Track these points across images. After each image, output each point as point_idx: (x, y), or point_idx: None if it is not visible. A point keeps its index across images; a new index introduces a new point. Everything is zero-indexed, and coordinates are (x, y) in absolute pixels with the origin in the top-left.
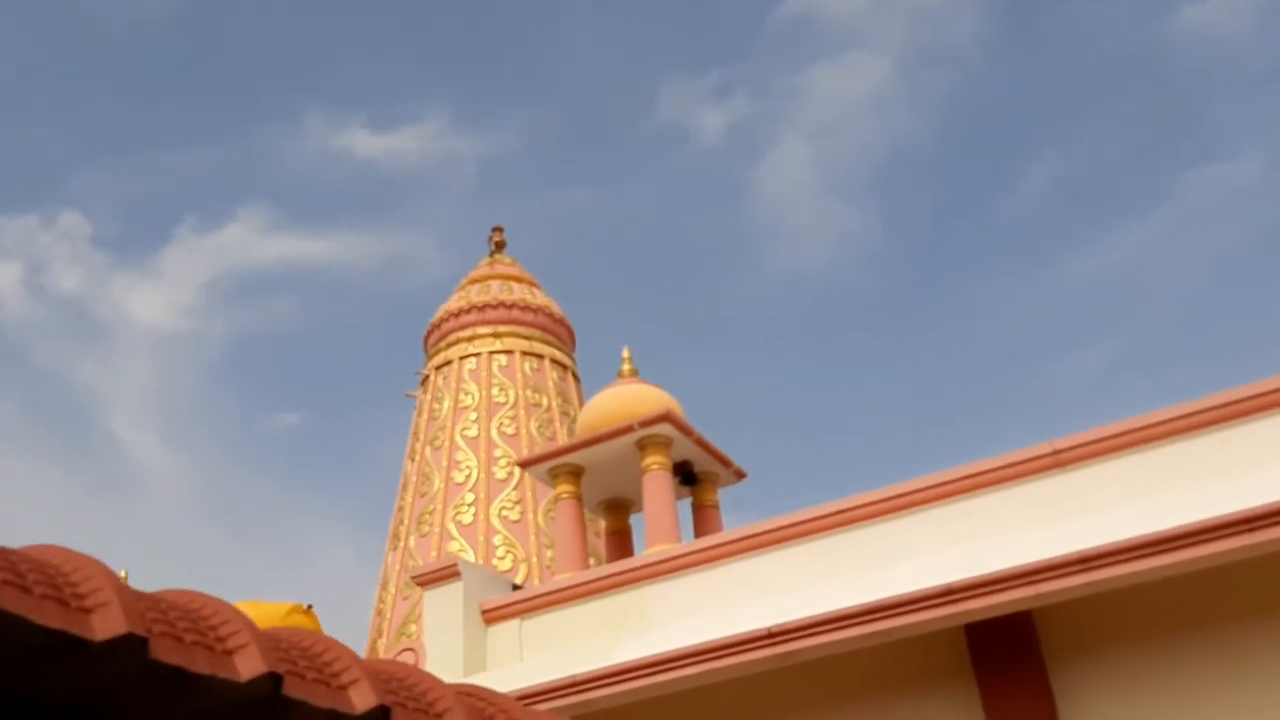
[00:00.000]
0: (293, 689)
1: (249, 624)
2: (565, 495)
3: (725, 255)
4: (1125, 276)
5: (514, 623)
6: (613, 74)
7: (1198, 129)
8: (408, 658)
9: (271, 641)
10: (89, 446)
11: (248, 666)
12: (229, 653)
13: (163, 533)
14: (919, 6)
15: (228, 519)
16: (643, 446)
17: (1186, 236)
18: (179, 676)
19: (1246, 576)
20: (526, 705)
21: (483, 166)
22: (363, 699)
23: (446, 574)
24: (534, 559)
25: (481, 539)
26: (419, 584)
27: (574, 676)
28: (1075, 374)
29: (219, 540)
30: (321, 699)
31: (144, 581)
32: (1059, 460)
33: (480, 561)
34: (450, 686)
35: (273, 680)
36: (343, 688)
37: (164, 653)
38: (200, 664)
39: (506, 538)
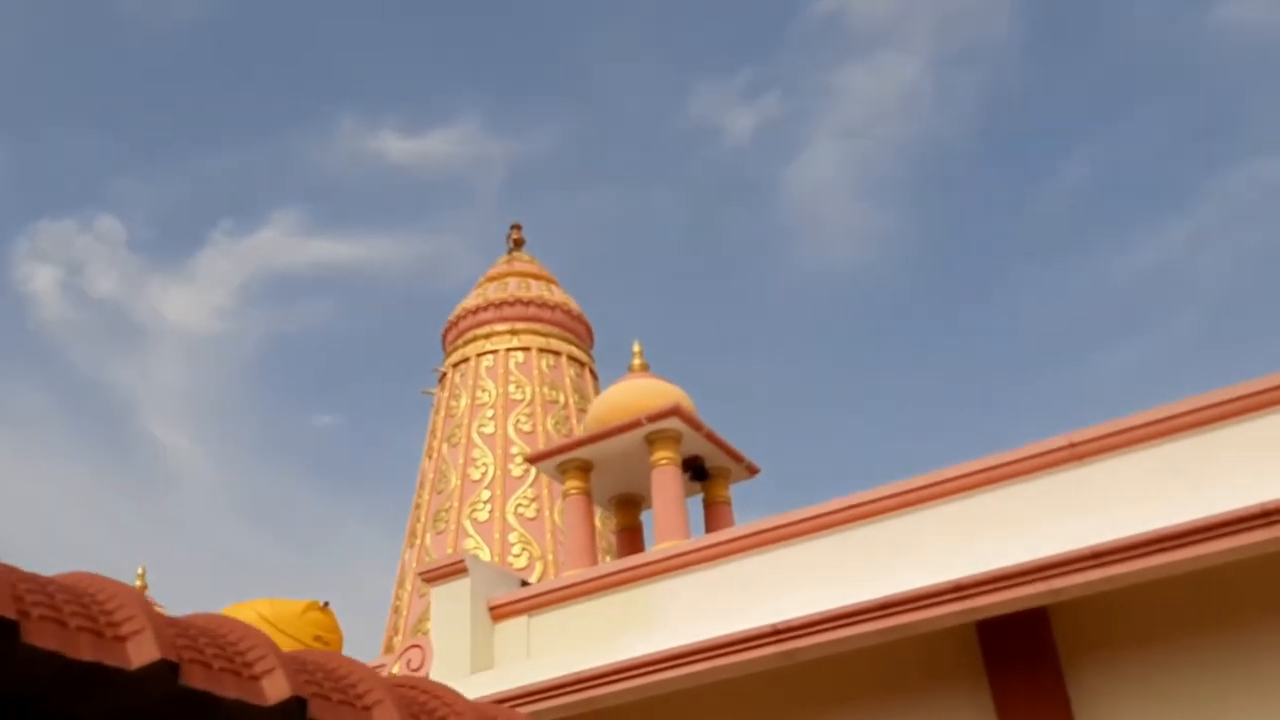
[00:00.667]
0: (317, 711)
1: (275, 649)
2: (574, 491)
3: (755, 255)
4: (1161, 274)
5: (521, 619)
6: (643, 75)
7: (1235, 125)
8: (414, 655)
9: (298, 664)
10: (125, 447)
11: (275, 690)
12: (256, 677)
13: (198, 532)
14: (950, 5)
15: (262, 518)
16: (651, 441)
17: (1223, 233)
18: (208, 700)
19: (1268, 572)
20: (531, 702)
21: (513, 168)
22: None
23: (454, 570)
24: (549, 556)
25: (497, 536)
26: (426, 580)
27: (578, 674)
28: (1108, 372)
29: (253, 539)
30: None
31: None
32: (1075, 454)
33: (496, 559)
34: (470, 704)
35: (299, 704)
36: (366, 709)
37: (194, 679)
38: (228, 688)
39: (522, 535)
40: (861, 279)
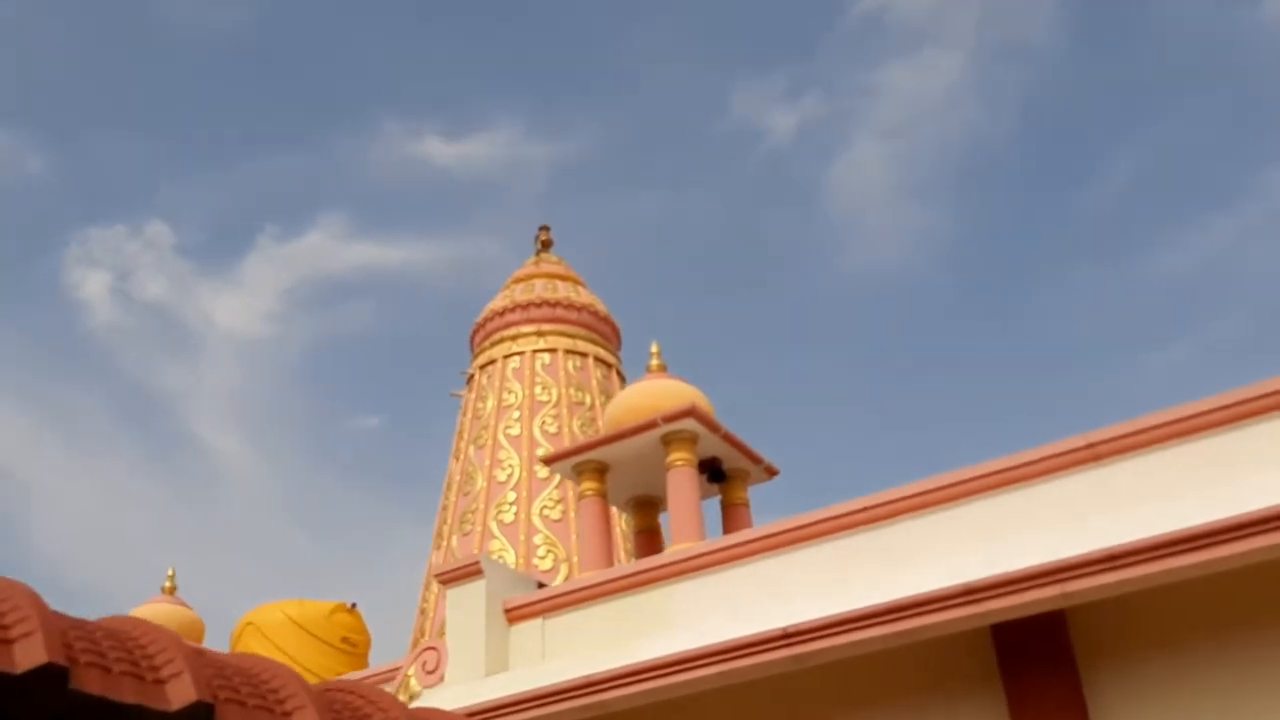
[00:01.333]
0: None
1: (305, 686)
2: (590, 493)
3: (796, 256)
4: (1207, 272)
5: (537, 621)
6: (684, 77)
7: None
8: (430, 657)
9: (324, 700)
10: (174, 450)
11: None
12: (288, 714)
13: (242, 532)
14: (992, 1)
15: (305, 519)
16: (667, 442)
17: (1270, 232)
18: None
19: None
20: (544, 705)
21: (553, 171)
22: None
23: (469, 572)
24: (575, 559)
25: (523, 538)
26: (441, 582)
27: (589, 677)
28: (1154, 374)
29: (296, 540)
30: None
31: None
32: (1094, 454)
33: (521, 561)
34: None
35: None
36: (286, 714)
37: (229, 717)
38: None
39: (547, 537)
40: (903, 280)
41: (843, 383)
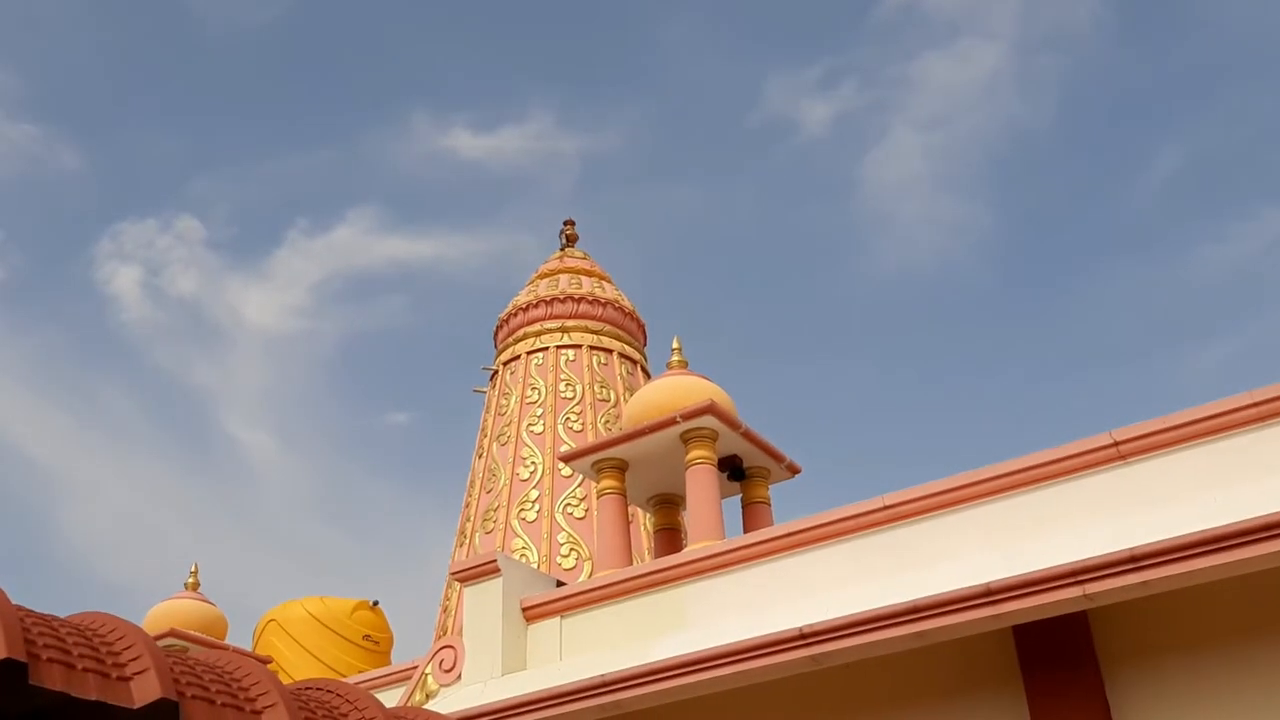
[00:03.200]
0: None
1: (277, 684)
2: (609, 491)
3: (834, 249)
4: (1254, 267)
5: (554, 620)
6: (717, 68)
7: None
8: (446, 655)
9: (297, 699)
10: (206, 445)
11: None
12: (257, 713)
13: (272, 527)
14: None
15: (334, 515)
16: (686, 440)
17: None
18: None
19: None
20: (561, 704)
21: (586, 164)
22: None
23: (486, 570)
24: (598, 558)
25: (545, 536)
26: (458, 580)
27: (605, 676)
28: (1199, 369)
29: (325, 535)
30: None
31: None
32: (1120, 453)
33: (544, 560)
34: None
35: None
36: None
37: (195, 715)
38: None
39: (570, 535)
40: (940, 275)
41: (875, 380)
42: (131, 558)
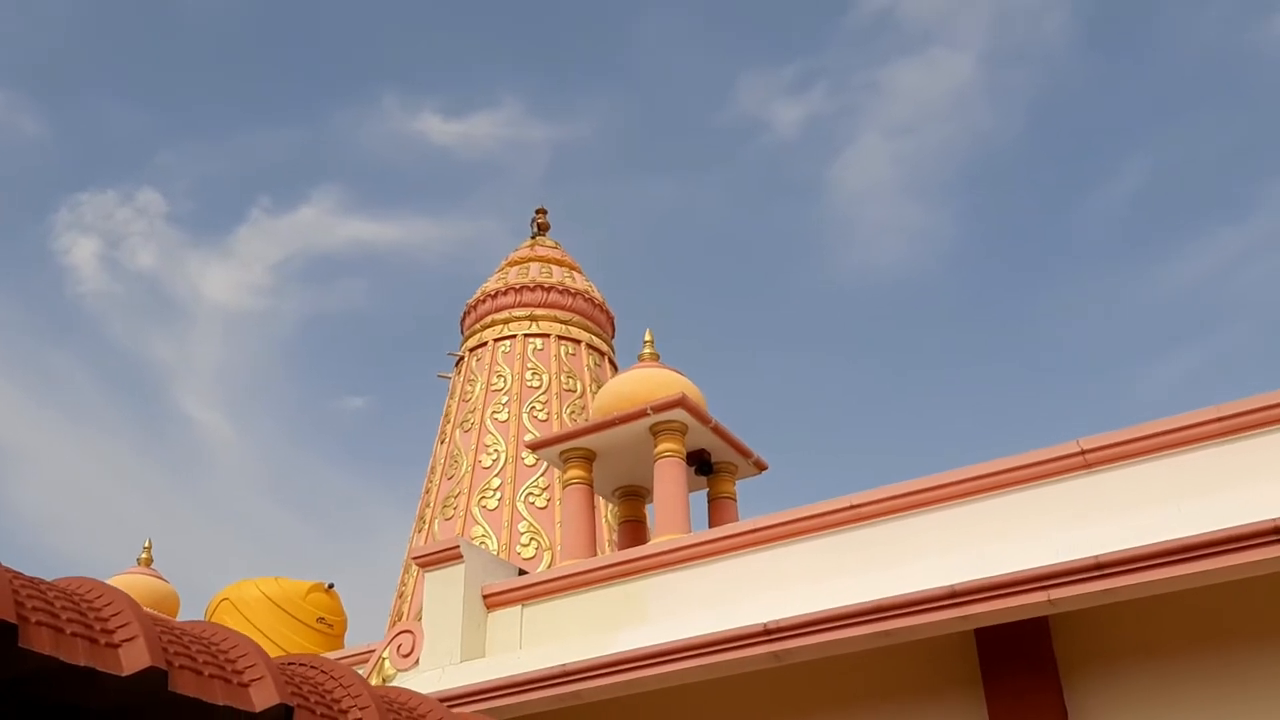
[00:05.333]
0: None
1: (263, 656)
2: (576, 481)
3: (797, 251)
4: (1213, 285)
5: (515, 609)
6: (690, 64)
7: None
8: (405, 640)
9: (284, 674)
10: (160, 422)
11: (261, 698)
12: (244, 685)
13: (225, 507)
14: (1004, 2)
15: (288, 496)
16: (656, 432)
17: (1277, 245)
18: (198, 705)
19: (1276, 589)
20: (520, 693)
21: (555, 154)
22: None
23: (448, 556)
24: (558, 548)
25: (506, 525)
26: (420, 565)
27: (566, 666)
28: (1157, 384)
29: (279, 517)
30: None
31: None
32: (1086, 461)
33: (504, 548)
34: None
35: (284, 710)
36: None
37: (182, 685)
38: (217, 695)
39: (531, 525)
40: (905, 279)
41: (839, 380)
42: (83, 532)
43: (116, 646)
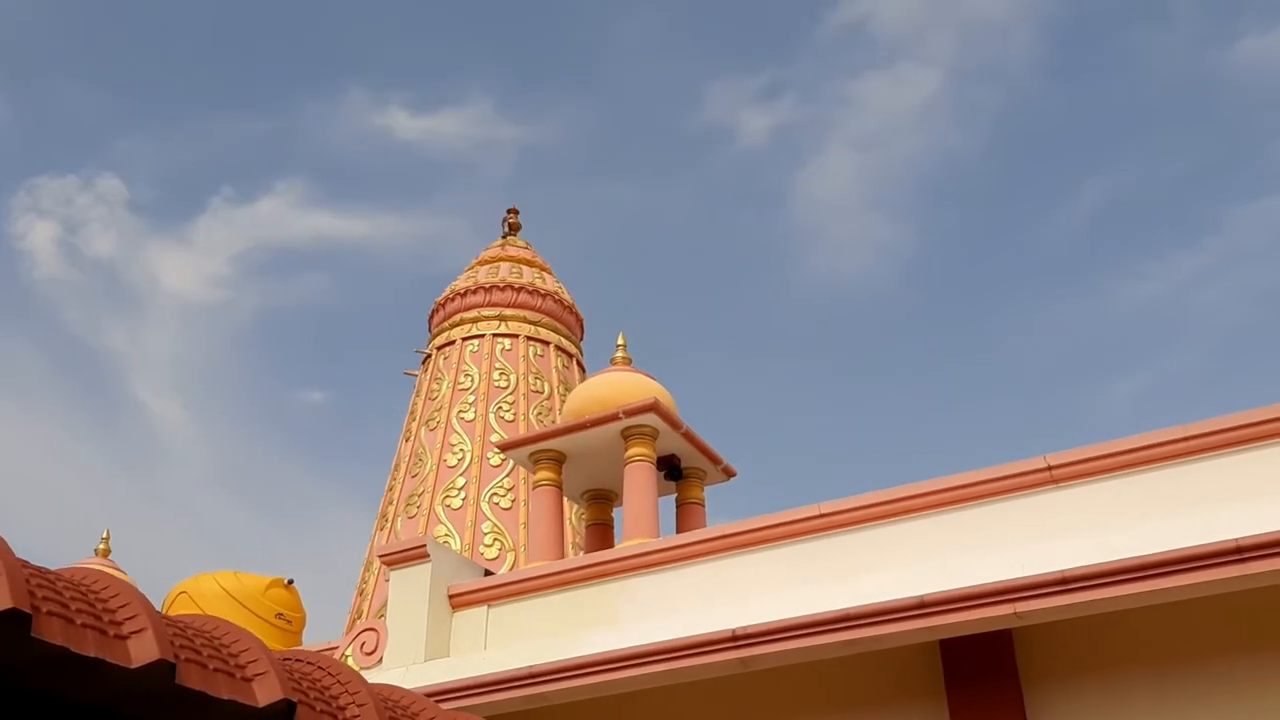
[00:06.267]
0: (304, 717)
1: (266, 652)
2: (545, 483)
3: (762, 259)
4: (1167, 307)
5: (481, 609)
6: (660, 69)
7: (1252, 162)
8: (368, 638)
9: (286, 670)
10: (113, 410)
11: (264, 693)
12: (248, 680)
13: (177, 499)
14: (973, 21)
15: (243, 491)
16: (627, 436)
17: (1233, 270)
18: (201, 698)
19: (1237, 609)
20: (484, 694)
21: (523, 155)
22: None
23: (414, 554)
24: (522, 548)
25: (470, 525)
26: (385, 563)
27: (531, 668)
28: (1111, 402)
29: (232, 511)
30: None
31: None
32: (1053, 476)
33: (467, 548)
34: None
35: (287, 706)
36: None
37: (188, 678)
38: (221, 689)
39: (495, 525)
40: (867, 291)
41: (801, 390)
42: (33, 520)
43: (125, 638)
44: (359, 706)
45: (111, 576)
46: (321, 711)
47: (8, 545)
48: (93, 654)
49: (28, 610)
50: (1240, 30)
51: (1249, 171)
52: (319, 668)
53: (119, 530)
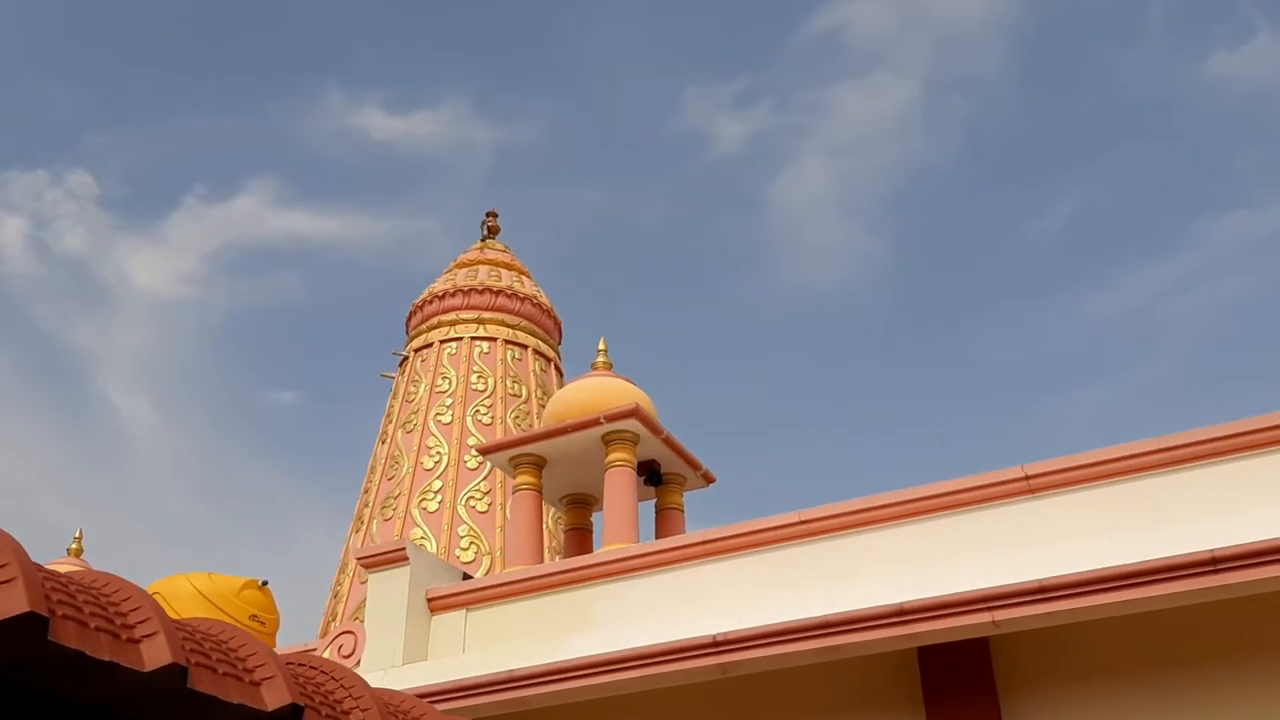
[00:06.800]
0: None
1: (273, 656)
2: (525, 487)
3: (735, 265)
4: (1135, 318)
5: (460, 613)
6: (637, 74)
7: (1221, 175)
8: (346, 641)
9: (292, 674)
10: (81, 408)
11: (273, 697)
12: (256, 684)
13: (145, 498)
14: (948, 33)
15: (211, 490)
16: (608, 441)
17: (1201, 283)
18: (211, 702)
19: (1213, 619)
20: (463, 698)
21: (499, 156)
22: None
23: (394, 557)
24: (498, 552)
25: (446, 528)
26: (364, 566)
27: (511, 672)
28: (1079, 410)
29: (204, 512)
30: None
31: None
32: (1030, 487)
33: (443, 551)
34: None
35: (294, 710)
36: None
37: (199, 682)
38: (231, 693)
39: (471, 529)
40: (839, 299)
41: (773, 396)
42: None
43: (137, 642)
44: (363, 711)
45: (122, 580)
46: (327, 715)
47: (23, 548)
48: (107, 658)
49: (45, 614)
50: (1210, 47)
51: (1217, 185)
52: (322, 671)
53: (89, 528)
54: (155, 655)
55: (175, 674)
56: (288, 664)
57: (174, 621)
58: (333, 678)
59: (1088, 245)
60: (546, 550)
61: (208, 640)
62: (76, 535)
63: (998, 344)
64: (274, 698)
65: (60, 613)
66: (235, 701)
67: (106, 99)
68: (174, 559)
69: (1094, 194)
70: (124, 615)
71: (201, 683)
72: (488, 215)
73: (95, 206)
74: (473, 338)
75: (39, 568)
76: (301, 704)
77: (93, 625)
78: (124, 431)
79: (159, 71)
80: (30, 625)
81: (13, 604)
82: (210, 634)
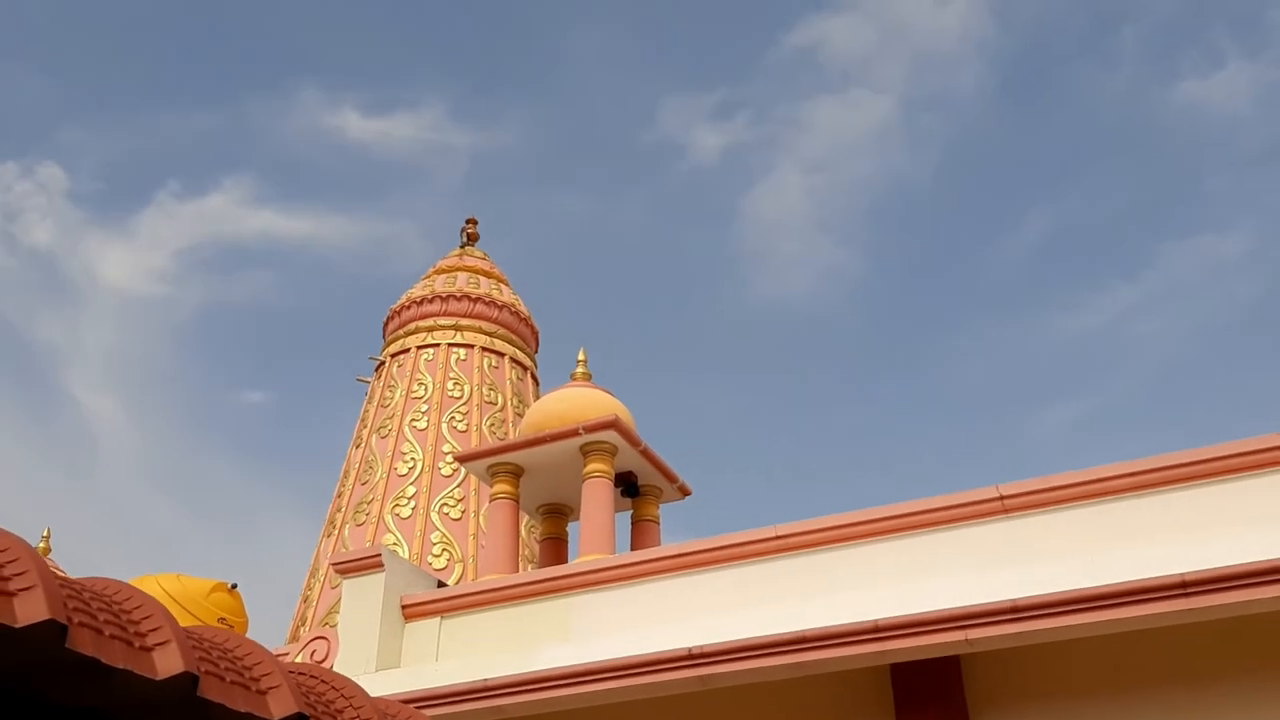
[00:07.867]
0: None
1: (278, 664)
2: (502, 495)
3: (708, 276)
4: (1104, 337)
5: (434, 621)
6: (615, 83)
7: (1190, 199)
8: (319, 646)
9: (296, 684)
10: (47, 405)
11: (279, 706)
12: (262, 693)
13: (111, 497)
14: (925, 51)
15: (178, 491)
16: (586, 452)
17: (1169, 304)
18: (217, 708)
19: (1182, 641)
20: (435, 706)
21: (475, 161)
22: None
23: (369, 564)
24: (471, 560)
25: (419, 534)
26: (339, 571)
27: (486, 681)
28: (1046, 429)
29: (170, 512)
30: None
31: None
32: (1004, 507)
33: (415, 557)
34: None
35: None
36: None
37: (208, 691)
38: (238, 702)
39: (444, 535)
40: (811, 313)
41: (746, 408)
42: None
43: (150, 650)
44: None
45: (132, 588)
46: None
47: (39, 555)
48: (121, 665)
49: (64, 621)
50: (1180, 73)
51: (1186, 208)
52: (321, 680)
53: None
54: (167, 663)
55: (186, 682)
56: (291, 674)
57: (185, 630)
58: (333, 687)
59: (1059, 264)
60: (520, 559)
61: (216, 649)
62: (44, 534)
63: (969, 360)
64: (279, 707)
65: (77, 620)
66: (242, 710)
67: (80, 92)
68: (141, 560)
69: (1066, 214)
70: (136, 623)
71: (211, 691)
72: (467, 222)
73: (66, 200)
74: (450, 344)
75: (55, 575)
76: (306, 713)
77: (107, 633)
78: (91, 429)
79: (135, 66)
80: (49, 631)
81: (34, 611)
82: (218, 643)
